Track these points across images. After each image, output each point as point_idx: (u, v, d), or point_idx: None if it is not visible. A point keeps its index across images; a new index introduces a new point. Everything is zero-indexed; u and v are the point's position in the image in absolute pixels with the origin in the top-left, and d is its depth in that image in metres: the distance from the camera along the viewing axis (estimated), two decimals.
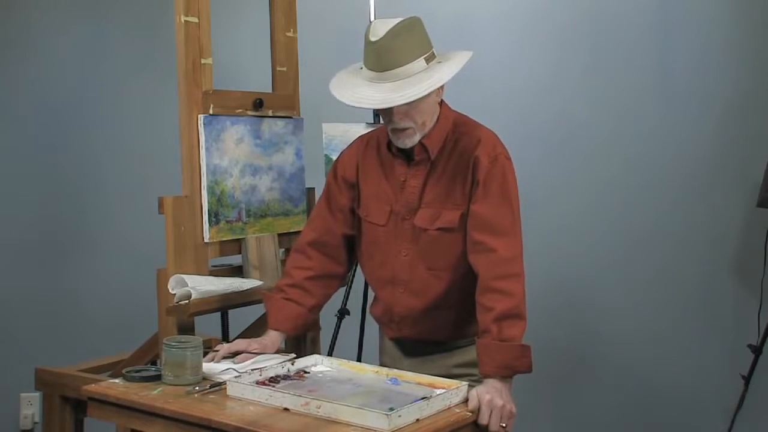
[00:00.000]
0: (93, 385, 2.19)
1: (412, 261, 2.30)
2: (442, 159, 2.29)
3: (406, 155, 2.32)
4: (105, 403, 2.13)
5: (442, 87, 2.25)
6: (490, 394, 2.01)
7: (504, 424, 2.01)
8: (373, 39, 2.17)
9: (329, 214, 2.43)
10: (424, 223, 2.28)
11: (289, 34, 2.85)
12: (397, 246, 2.32)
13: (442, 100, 2.32)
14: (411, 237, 2.30)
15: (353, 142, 2.50)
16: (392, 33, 2.15)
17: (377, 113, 3.31)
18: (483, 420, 1.99)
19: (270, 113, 2.73)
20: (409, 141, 2.26)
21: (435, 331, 2.33)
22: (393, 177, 2.34)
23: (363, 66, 2.24)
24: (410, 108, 2.20)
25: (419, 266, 2.29)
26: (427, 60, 2.20)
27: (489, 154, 2.24)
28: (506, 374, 2.09)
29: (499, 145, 2.28)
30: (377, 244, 2.36)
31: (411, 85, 2.15)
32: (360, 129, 3.18)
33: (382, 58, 2.16)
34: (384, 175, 2.35)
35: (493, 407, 1.99)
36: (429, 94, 2.18)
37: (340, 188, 2.43)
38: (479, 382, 2.11)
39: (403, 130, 2.24)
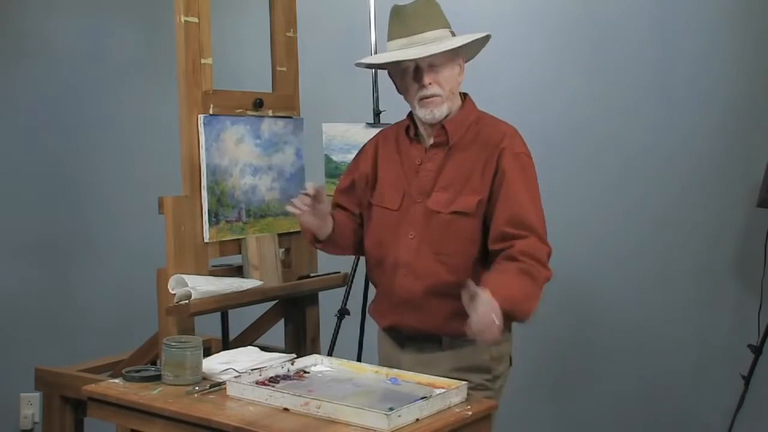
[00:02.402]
0: (93, 385, 2.19)
1: (419, 244, 2.29)
2: (462, 145, 2.32)
3: (424, 140, 2.37)
4: (105, 403, 2.13)
5: (463, 69, 2.35)
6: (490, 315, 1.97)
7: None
8: (400, 4, 2.31)
9: (352, 188, 2.50)
10: (437, 206, 2.28)
11: (289, 34, 2.85)
12: (405, 228, 2.32)
13: (467, 95, 2.39)
14: (421, 220, 2.30)
15: (374, 136, 2.55)
16: (418, 3, 2.32)
17: (378, 113, 3.32)
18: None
19: (270, 113, 2.73)
20: (438, 111, 2.30)
21: (432, 321, 2.28)
22: (408, 161, 2.37)
23: (388, 46, 2.34)
24: (438, 74, 2.28)
25: (426, 250, 2.28)
26: (451, 34, 2.33)
27: (514, 150, 2.28)
28: (505, 307, 2.00)
29: (524, 144, 2.33)
30: (388, 228, 2.36)
31: (441, 44, 2.26)
32: (360, 129, 3.18)
33: (411, 23, 2.29)
34: (401, 162, 2.39)
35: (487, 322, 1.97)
36: (455, 62, 2.30)
37: (359, 176, 2.48)
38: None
39: (432, 97, 2.29)
